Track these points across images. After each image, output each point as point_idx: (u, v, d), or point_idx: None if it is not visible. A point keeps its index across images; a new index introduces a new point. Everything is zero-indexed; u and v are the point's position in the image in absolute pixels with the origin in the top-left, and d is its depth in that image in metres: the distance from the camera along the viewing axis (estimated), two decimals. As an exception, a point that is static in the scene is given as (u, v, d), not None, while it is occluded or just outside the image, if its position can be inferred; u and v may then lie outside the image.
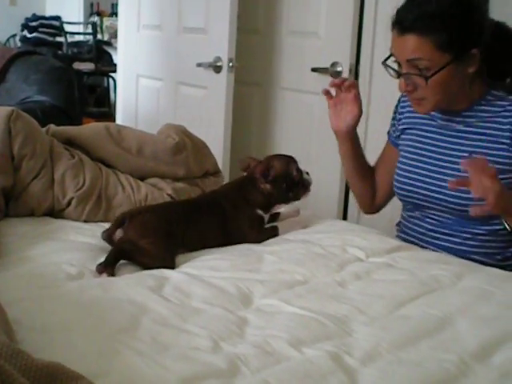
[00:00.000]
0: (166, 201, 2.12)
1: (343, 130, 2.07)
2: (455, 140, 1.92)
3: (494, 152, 1.84)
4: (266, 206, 1.96)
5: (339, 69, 3.18)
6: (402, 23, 1.78)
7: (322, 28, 3.30)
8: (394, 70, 1.85)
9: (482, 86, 1.89)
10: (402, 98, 2.11)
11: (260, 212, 1.94)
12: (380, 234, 2.01)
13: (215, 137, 3.28)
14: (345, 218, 3.25)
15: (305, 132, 3.45)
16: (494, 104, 1.88)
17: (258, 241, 1.91)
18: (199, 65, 3.42)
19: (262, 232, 1.95)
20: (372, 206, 2.25)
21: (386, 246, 1.88)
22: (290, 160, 1.98)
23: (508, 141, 1.83)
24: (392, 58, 1.85)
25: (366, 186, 2.20)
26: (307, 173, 2.01)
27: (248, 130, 3.81)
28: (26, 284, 1.54)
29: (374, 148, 2.69)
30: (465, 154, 1.88)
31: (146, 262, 1.69)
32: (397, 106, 2.14)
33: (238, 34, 3.29)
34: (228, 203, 1.92)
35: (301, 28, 3.45)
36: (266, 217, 1.98)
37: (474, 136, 1.89)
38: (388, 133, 2.18)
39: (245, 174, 2.00)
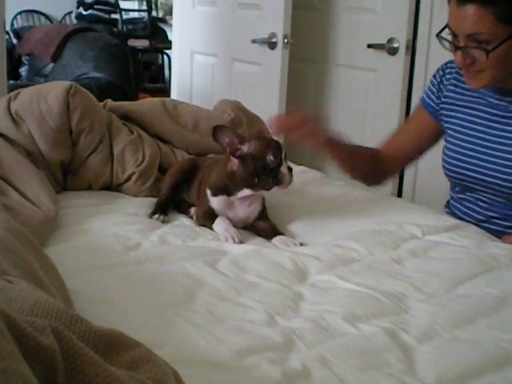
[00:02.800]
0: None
1: (321, 145, 1.95)
2: (506, 120, 1.85)
3: None
4: (223, 185, 1.77)
5: (396, 45, 3.14)
6: None
7: (378, 3, 3.25)
8: (450, 42, 1.77)
9: None
10: (448, 70, 2.02)
11: (208, 191, 1.79)
12: (436, 213, 1.98)
13: (269, 113, 3.26)
14: (399, 195, 3.22)
15: (360, 109, 3.42)
16: None
17: (198, 222, 1.83)
18: (254, 41, 3.41)
19: (204, 215, 1.81)
20: (379, 181, 2.19)
21: (442, 223, 1.85)
22: (272, 144, 1.74)
23: None
24: (446, 31, 1.78)
25: (369, 169, 2.12)
26: (290, 169, 1.74)
27: (302, 106, 3.79)
28: (83, 255, 1.57)
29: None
30: None
31: None
32: (442, 76, 2.03)
33: (293, 9, 3.27)
34: (205, 172, 1.88)
35: (357, 3, 3.41)
36: (219, 199, 1.79)
37: None
38: (422, 98, 2.09)
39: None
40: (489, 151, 1.87)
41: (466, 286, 1.46)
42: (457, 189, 2.02)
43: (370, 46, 3.26)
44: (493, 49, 1.68)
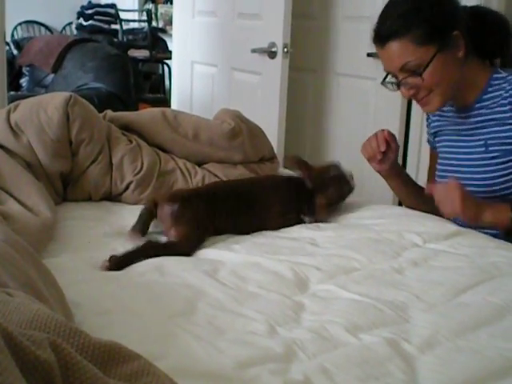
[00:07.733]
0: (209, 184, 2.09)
1: (386, 168, 2.06)
2: (475, 131, 1.91)
3: (505, 134, 1.83)
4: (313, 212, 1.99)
5: (395, 53, 3.14)
6: (379, 35, 1.84)
7: (378, 12, 3.24)
8: (392, 83, 1.87)
9: (485, 73, 1.89)
10: None
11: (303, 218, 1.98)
12: (437, 219, 1.98)
13: (270, 123, 3.26)
14: (400, 204, 3.21)
15: (360, 118, 3.41)
16: (498, 88, 1.86)
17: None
18: (254, 51, 3.40)
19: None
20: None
21: (443, 231, 1.85)
22: (345, 180, 2.03)
23: (510, 121, 1.82)
24: (390, 76, 1.88)
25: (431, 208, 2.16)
26: (352, 176, 2.05)
27: (302, 115, 3.80)
28: (83, 267, 1.56)
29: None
30: (482, 143, 1.88)
31: (172, 248, 1.71)
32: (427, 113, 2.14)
33: (292, 19, 3.26)
34: (274, 202, 1.92)
35: (356, 12, 3.41)
36: None
37: (490, 123, 1.87)
38: (428, 141, 2.19)
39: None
40: (464, 167, 1.93)
41: (467, 295, 1.45)
42: None
43: (369, 54, 3.25)
44: (423, 70, 1.78)
